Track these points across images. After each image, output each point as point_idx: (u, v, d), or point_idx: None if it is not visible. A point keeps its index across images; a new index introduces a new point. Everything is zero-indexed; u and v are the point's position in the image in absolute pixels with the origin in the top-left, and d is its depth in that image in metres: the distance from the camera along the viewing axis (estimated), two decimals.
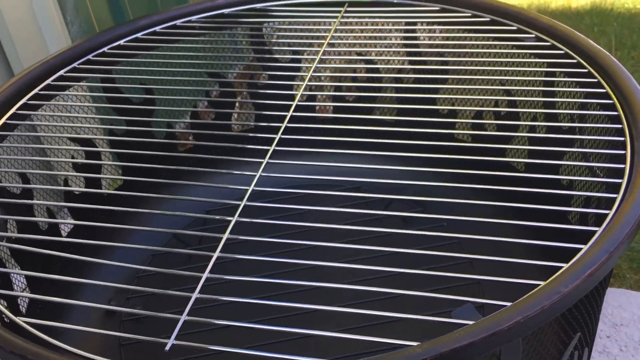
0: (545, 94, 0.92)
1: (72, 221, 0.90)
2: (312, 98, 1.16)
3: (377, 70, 1.12)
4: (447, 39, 1.03)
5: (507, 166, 0.95)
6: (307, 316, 0.64)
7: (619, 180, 0.65)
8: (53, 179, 1.09)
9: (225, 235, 0.66)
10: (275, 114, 0.87)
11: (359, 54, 1.13)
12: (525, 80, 0.90)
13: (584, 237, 0.59)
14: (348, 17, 1.08)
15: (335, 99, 1.14)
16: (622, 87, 0.77)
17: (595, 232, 0.58)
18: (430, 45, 1.06)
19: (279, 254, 0.67)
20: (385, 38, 1.10)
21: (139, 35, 1.04)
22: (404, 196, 0.75)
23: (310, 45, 1.05)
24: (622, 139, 0.71)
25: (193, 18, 1.09)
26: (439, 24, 1.05)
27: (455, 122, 1.07)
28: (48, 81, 0.93)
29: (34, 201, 0.89)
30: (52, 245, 0.71)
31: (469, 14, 1.03)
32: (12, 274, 0.82)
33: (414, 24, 1.07)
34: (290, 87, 0.99)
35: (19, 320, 0.59)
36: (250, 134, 0.83)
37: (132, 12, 1.63)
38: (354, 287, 0.60)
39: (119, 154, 1.01)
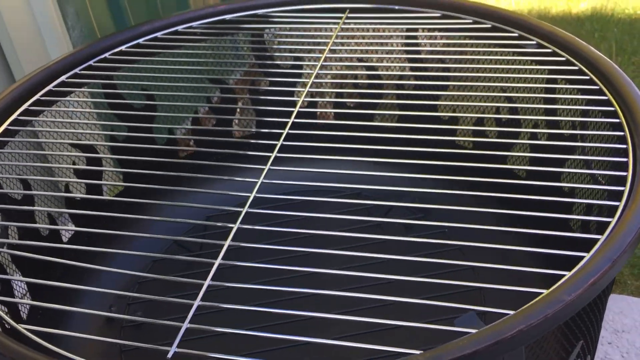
0: (547, 100, 0.92)
1: (73, 228, 0.90)
2: (313, 104, 1.16)
3: (378, 77, 1.12)
4: (449, 45, 1.03)
5: (509, 173, 0.95)
6: (309, 323, 0.64)
7: (621, 188, 0.65)
8: (54, 185, 1.09)
9: (227, 243, 0.65)
10: (277, 121, 0.87)
11: (360, 60, 1.13)
12: (526, 87, 0.90)
13: (586, 244, 0.59)
14: (349, 24, 1.08)
15: (336, 105, 1.14)
16: (624, 95, 0.77)
17: (597, 240, 0.58)
18: (432, 52, 1.06)
19: (280, 261, 0.67)
20: (386, 44, 1.10)
21: (140, 41, 1.04)
22: (405, 203, 0.75)
23: (312, 51, 1.05)
24: (625, 146, 0.71)
25: (194, 24, 1.09)
26: (440, 30, 1.05)
27: (456, 129, 1.07)
28: (49, 87, 0.93)
29: (35, 207, 0.89)
30: (53, 252, 0.71)
31: (470, 21, 1.03)
32: (13, 280, 0.82)
33: (415, 30, 1.07)
34: (292, 93, 0.99)
35: (20, 327, 0.59)
36: (252, 141, 0.83)
37: (133, 17, 1.63)
38: (355, 295, 0.60)
39: (120, 160, 1.01)
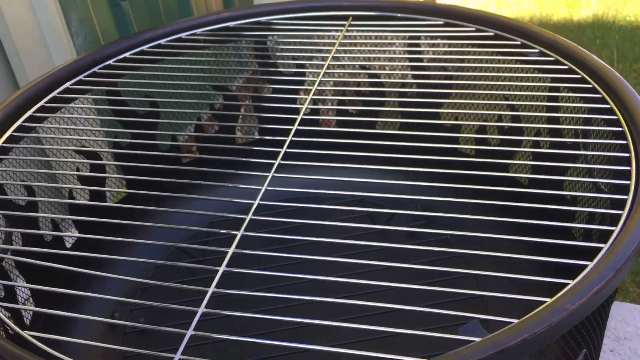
0: (549, 109, 0.92)
1: (77, 234, 0.90)
2: (316, 111, 1.16)
3: (381, 84, 1.12)
4: (451, 53, 1.04)
5: (511, 181, 0.95)
6: (312, 330, 0.64)
7: (624, 197, 0.65)
8: (58, 191, 1.09)
9: (231, 250, 0.66)
10: (280, 128, 0.87)
11: (363, 67, 1.14)
12: (529, 95, 0.90)
13: (589, 253, 0.59)
14: (352, 31, 1.09)
15: (339, 112, 1.15)
16: (627, 103, 0.77)
17: (600, 248, 0.58)
18: (434, 59, 1.06)
19: (283, 268, 0.67)
20: (389, 52, 1.10)
21: (144, 48, 1.04)
22: (407, 211, 0.75)
23: (315, 58, 1.05)
24: (627, 155, 0.71)
25: (198, 31, 1.09)
26: (443, 38, 1.06)
27: (458, 137, 1.07)
28: (54, 93, 0.93)
29: (39, 214, 0.90)
30: (57, 258, 0.71)
31: (473, 29, 1.03)
32: (16, 286, 0.82)
33: (418, 37, 1.08)
34: (295, 100, 0.99)
35: (24, 333, 0.59)
36: (256, 148, 0.83)
37: (136, 24, 1.63)
38: (357, 302, 0.60)
39: (123, 166, 1.02)
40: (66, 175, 1.06)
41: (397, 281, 0.63)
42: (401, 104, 1.10)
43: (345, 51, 1.08)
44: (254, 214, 0.71)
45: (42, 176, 0.94)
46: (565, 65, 0.90)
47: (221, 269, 0.63)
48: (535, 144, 0.94)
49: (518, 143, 0.97)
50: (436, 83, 1.04)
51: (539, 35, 0.96)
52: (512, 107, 0.97)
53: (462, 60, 1.01)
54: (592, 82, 0.85)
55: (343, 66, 1.08)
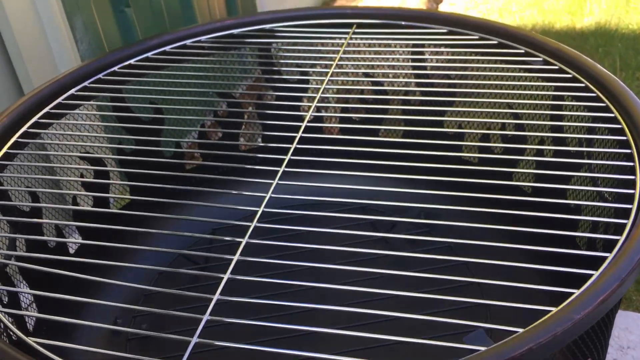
0: (553, 117, 0.92)
1: (80, 240, 0.91)
2: (320, 119, 1.17)
3: (385, 92, 1.12)
4: (455, 61, 1.04)
5: (515, 189, 0.95)
6: (315, 337, 0.64)
7: (629, 206, 0.65)
8: (62, 197, 1.09)
9: (236, 257, 0.66)
10: (285, 135, 0.87)
11: (367, 75, 1.14)
12: (533, 104, 0.91)
13: (593, 262, 0.59)
14: (356, 39, 1.09)
15: (343, 120, 1.15)
16: (631, 112, 0.78)
17: (605, 258, 0.58)
18: (438, 67, 1.07)
19: (287, 275, 0.67)
20: (393, 60, 1.11)
21: (149, 54, 1.05)
22: (410, 219, 0.75)
23: (319, 66, 1.05)
24: (632, 164, 0.71)
25: (203, 38, 1.10)
26: (447, 46, 1.06)
27: (462, 145, 1.07)
28: (59, 100, 0.93)
29: (43, 220, 0.90)
30: (60, 264, 0.71)
31: (477, 37, 1.04)
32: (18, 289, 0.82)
33: (422, 45, 1.08)
34: (299, 108, 1.00)
35: (28, 340, 0.59)
36: (260, 155, 0.84)
37: (140, 30, 1.64)
38: (360, 310, 0.60)
39: (127, 173, 1.02)
40: (70, 181, 1.06)
41: (400, 289, 0.63)
42: (405, 112, 1.11)
43: (349, 59, 1.08)
44: (258, 221, 0.71)
45: (47, 182, 0.94)
46: (569, 74, 0.90)
47: (226, 276, 0.63)
48: (539, 153, 0.94)
49: (522, 151, 0.97)
50: (440, 91, 1.04)
51: (543, 44, 0.97)
52: (515, 116, 0.97)
53: (465, 69, 1.01)
54: (596, 90, 0.85)
55: (347, 73, 1.09)
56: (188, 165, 1.16)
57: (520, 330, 0.51)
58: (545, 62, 0.95)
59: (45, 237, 0.90)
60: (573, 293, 0.55)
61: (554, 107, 0.91)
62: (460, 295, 0.61)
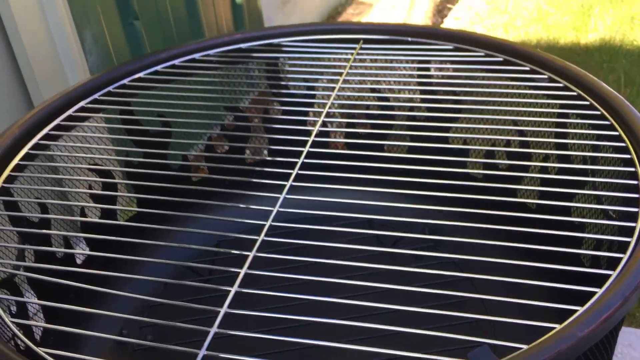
0: (558, 134, 0.93)
1: (87, 252, 0.91)
2: (327, 133, 1.18)
3: (391, 108, 1.13)
4: (460, 77, 1.05)
5: (519, 206, 0.96)
6: (320, 350, 0.64)
7: (633, 224, 0.65)
8: (69, 208, 1.10)
9: (244, 270, 0.66)
10: (292, 150, 0.88)
11: (374, 90, 1.15)
12: (537, 121, 0.91)
13: (597, 280, 0.59)
14: (363, 54, 1.10)
15: (350, 135, 1.16)
16: (635, 130, 0.78)
17: (609, 275, 0.59)
18: (444, 84, 1.08)
19: (292, 288, 0.67)
20: (399, 75, 1.12)
21: (158, 68, 1.06)
22: (415, 234, 0.76)
23: (326, 80, 1.06)
24: (636, 182, 0.72)
25: (211, 52, 1.11)
26: (452, 62, 1.07)
27: (466, 162, 1.08)
28: (69, 112, 0.95)
29: (52, 231, 0.91)
30: (67, 274, 0.72)
31: (482, 54, 1.05)
32: (26, 299, 0.83)
33: (428, 62, 1.09)
34: (306, 122, 1.01)
35: (38, 350, 0.60)
36: (267, 169, 0.85)
37: (148, 43, 1.66)
38: (364, 325, 0.60)
39: (134, 184, 1.03)
40: (79, 192, 1.07)
41: (405, 304, 0.63)
42: (410, 127, 1.11)
43: (356, 73, 1.09)
44: (265, 235, 0.72)
45: (56, 193, 0.95)
46: (574, 91, 0.91)
47: (233, 289, 0.64)
48: (544, 170, 0.95)
49: (526, 168, 0.98)
50: (445, 107, 1.05)
51: (548, 62, 0.98)
52: (521, 132, 0.97)
53: (471, 85, 1.02)
54: (601, 109, 0.86)
55: (354, 88, 1.10)
56: (194, 177, 1.17)
57: (525, 346, 0.52)
58: (551, 80, 0.95)
59: (53, 248, 0.91)
60: (577, 310, 0.55)
61: (558, 125, 0.92)
62: (464, 311, 0.61)
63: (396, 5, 3.18)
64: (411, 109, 1.12)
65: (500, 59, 1.02)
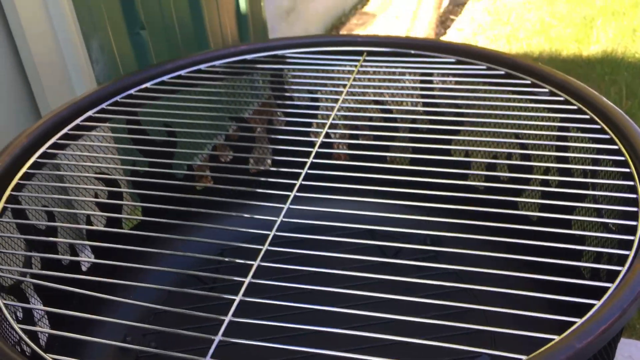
0: (559, 148, 0.94)
1: (93, 259, 0.93)
2: (330, 144, 1.19)
3: (394, 120, 1.15)
4: (462, 90, 1.06)
5: (520, 218, 0.97)
6: (324, 359, 0.65)
7: (631, 238, 0.66)
8: (75, 216, 1.11)
9: (248, 279, 0.68)
10: (296, 160, 0.89)
11: (377, 102, 1.16)
12: (538, 134, 0.93)
13: (597, 292, 0.60)
14: (366, 66, 1.12)
15: (353, 146, 1.17)
16: (635, 145, 0.79)
17: (608, 288, 0.60)
18: (446, 96, 1.09)
19: (296, 298, 0.68)
20: (403, 87, 1.13)
21: (164, 78, 1.07)
22: (416, 245, 0.77)
23: (330, 92, 1.08)
24: (635, 196, 0.73)
25: (216, 63, 1.12)
26: (455, 75, 1.08)
27: (467, 174, 1.09)
28: (77, 121, 0.96)
29: (59, 239, 0.92)
30: (73, 281, 0.73)
31: (484, 67, 1.06)
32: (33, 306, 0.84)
33: (430, 74, 1.10)
34: (310, 134, 1.02)
35: (46, 356, 0.61)
36: (271, 179, 0.86)
37: (154, 52, 1.67)
38: (365, 334, 0.61)
39: (140, 193, 1.04)
40: (85, 201, 1.09)
41: (406, 314, 0.64)
42: (413, 140, 1.13)
43: (360, 85, 1.11)
44: (269, 245, 0.73)
45: (63, 201, 0.96)
46: (575, 105, 0.92)
47: (238, 298, 0.65)
48: (545, 183, 0.96)
49: (527, 181, 0.99)
50: (447, 120, 1.06)
51: (549, 75, 0.99)
52: (522, 145, 0.99)
53: (473, 98, 1.03)
54: (601, 123, 0.87)
55: (358, 100, 1.11)
56: (198, 186, 1.18)
57: (524, 357, 0.53)
58: (552, 93, 0.97)
59: (59, 256, 0.92)
60: (575, 322, 0.56)
61: (559, 138, 0.93)
62: (465, 321, 0.62)
63: (400, 16, 3.20)
64: (413, 121, 1.14)
65: (502, 72, 1.04)
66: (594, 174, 0.85)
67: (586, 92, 0.92)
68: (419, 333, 0.62)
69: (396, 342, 0.60)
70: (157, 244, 0.96)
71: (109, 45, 1.55)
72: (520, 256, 0.68)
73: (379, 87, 1.14)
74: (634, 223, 0.69)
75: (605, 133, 0.85)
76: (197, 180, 1.30)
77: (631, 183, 0.75)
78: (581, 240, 0.88)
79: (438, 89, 1.10)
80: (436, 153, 0.93)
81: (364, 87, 1.11)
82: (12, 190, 0.83)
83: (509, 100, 1.00)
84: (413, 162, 1.13)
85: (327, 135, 0.96)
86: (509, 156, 1.03)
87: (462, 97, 1.03)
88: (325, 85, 1.08)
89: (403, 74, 1.12)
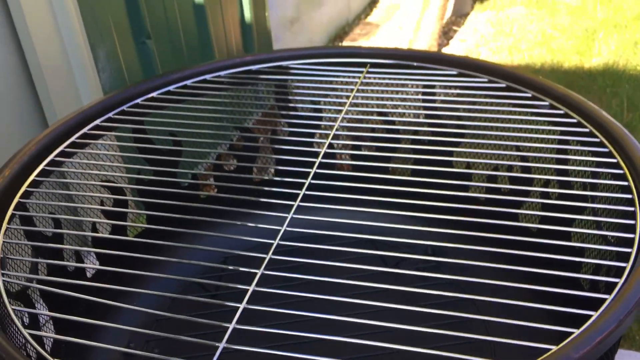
0: (559, 160, 0.95)
1: (97, 266, 0.94)
2: (333, 155, 1.20)
3: (396, 131, 1.16)
4: (464, 102, 1.08)
5: (521, 229, 0.98)
6: None
7: (629, 250, 0.68)
8: (79, 222, 1.13)
9: (252, 287, 0.69)
10: (299, 170, 0.91)
11: (380, 114, 1.18)
12: (539, 147, 0.94)
13: (594, 303, 0.61)
14: (370, 78, 1.13)
15: (355, 157, 1.18)
16: (633, 158, 0.81)
17: (605, 300, 0.61)
18: (448, 108, 1.10)
19: (298, 306, 0.70)
20: (405, 99, 1.15)
21: (170, 88, 1.09)
22: (418, 255, 0.78)
23: (334, 103, 1.09)
24: (632, 209, 0.74)
25: (222, 73, 1.14)
26: (456, 87, 1.10)
27: (469, 185, 1.10)
28: (84, 130, 0.97)
29: (65, 246, 0.93)
30: (78, 287, 0.74)
31: (486, 80, 1.07)
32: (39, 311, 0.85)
33: (433, 87, 1.12)
34: (314, 144, 1.03)
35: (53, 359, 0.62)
36: (275, 189, 0.87)
37: (160, 62, 1.69)
38: (371, 343, 0.62)
39: (145, 201, 1.05)
40: (89, 208, 1.10)
41: (408, 323, 0.65)
42: (415, 151, 1.14)
43: (363, 97, 1.12)
44: (273, 253, 0.74)
45: (70, 209, 0.98)
46: (574, 118, 0.94)
47: (242, 306, 0.66)
48: (545, 194, 0.97)
49: (527, 193, 1.00)
50: (449, 132, 1.07)
51: (549, 89, 1.00)
52: (522, 157, 1.00)
53: (474, 110, 1.05)
54: (600, 136, 0.88)
55: (361, 112, 1.13)
56: (202, 195, 1.20)
57: None
58: (552, 107, 0.98)
59: (65, 262, 0.93)
60: (573, 333, 0.57)
61: (559, 151, 0.94)
62: (466, 331, 0.63)
63: (403, 26, 3.22)
64: (415, 132, 1.15)
65: (503, 85, 1.05)
66: (593, 187, 0.87)
67: (586, 106, 0.94)
68: (421, 342, 0.63)
69: (398, 350, 0.62)
70: (161, 251, 0.97)
71: (115, 54, 1.57)
72: (520, 267, 0.69)
73: (382, 99, 1.15)
74: (631, 236, 0.70)
75: (604, 146, 0.86)
76: (202, 189, 1.32)
77: (629, 196, 0.77)
78: (580, 252, 0.89)
79: (440, 101, 1.12)
80: (438, 164, 0.94)
81: (367, 98, 1.13)
82: (21, 197, 0.84)
83: (509, 112, 1.01)
84: (415, 173, 1.14)
85: (331, 146, 0.98)
86: (510, 168, 1.04)
87: (464, 109, 1.05)
88: (328, 96, 1.10)
89: (405, 85, 1.13)
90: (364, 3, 3.47)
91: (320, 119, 1.13)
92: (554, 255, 0.71)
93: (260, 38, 2.18)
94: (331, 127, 1.00)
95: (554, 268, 0.69)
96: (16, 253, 0.83)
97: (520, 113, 1.00)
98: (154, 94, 1.07)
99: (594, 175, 0.86)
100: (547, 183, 0.98)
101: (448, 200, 0.82)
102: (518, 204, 0.99)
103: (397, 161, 1.14)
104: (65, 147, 0.94)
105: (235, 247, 0.82)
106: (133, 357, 0.96)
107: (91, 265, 1.02)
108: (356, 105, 1.08)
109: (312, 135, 1.10)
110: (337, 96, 1.11)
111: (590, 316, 0.59)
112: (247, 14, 2.07)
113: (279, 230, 0.78)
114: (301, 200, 0.83)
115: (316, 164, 0.90)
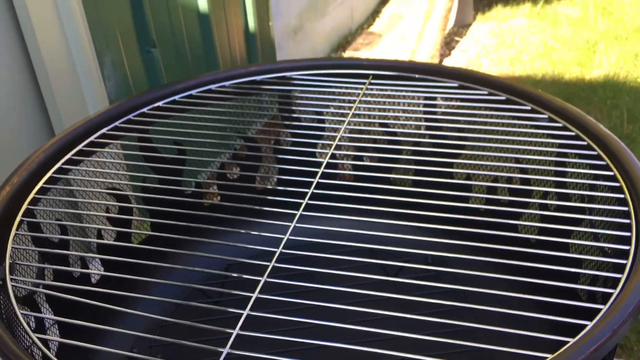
0: (557, 173, 0.97)
1: (102, 272, 0.95)
2: (336, 165, 1.22)
3: (398, 142, 1.18)
4: (465, 114, 1.09)
5: (520, 240, 0.99)
6: None
7: (624, 261, 0.69)
8: (87, 229, 1.14)
9: (255, 294, 0.70)
10: (302, 180, 0.92)
11: (382, 125, 1.20)
12: (537, 159, 0.95)
13: (590, 313, 0.63)
14: (372, 89, 1.15)
15: (357, 167, 1.20)
16: (630, 171, 0.82)
17: (600, 310, 0.63)
18: (448, 120, 1.12)
19: (300, 313, 0.71)
20: (407, 111, 1.16)
21: (176, 97, 1.11)
22: (418, 264, 0.79)
23: (337, 114, 1.11)
24: (628, 221, 0.75)
25: (226, 83, 1.16)
26: (457, 99, 1.12)
27: (469, 196, 1.12)
28: (91, 138, 0.99)
29: (72, 252, 0.95)
30: (83, 293, 0.76)
31: (486, 92, 1.09)
32: (45, 316, 0.87)
33: (434, 98, 1.14)
34: (316, 154, 1.05)
35: None
36: (279, 198, 0.89)
37: (165, 70, 1.71)
38: (372, 350, 0.64)
39: (149, 209, 1.07)
40: (94, 215, 1.12)
41: (407, 331, 0.67)
42: (415, 162, 1.16)
43: (365, 108, 1.14)
44: (276, 261, 0.76)
45: (76, 215, 0.99)
46: (573, 131, 0.95)
47: (245, 312, 0.68)
48: (543, 206, 0.99)
49: (526, 204, 1.02)
50: (449, 143, 1.09)
51: (548, 102, 1.02)
52: (521, 169, 1.01)
53: (474, 122, 1.06)
54: (598, 149, 0.90)
55: (363, 123, 1.14)
56: (205, 203, 1.21)
57: None
58: (550, 120, 1.00)
59: (71, 268, 0.94)
60: (568, 342, 0.59)
61: (558, 164, 0.96)
62: (465, 340, 0.65)
63: (405, 36, 3.24)
64: (417, 143, 1.17)
65: (503, 98, 1.07)
66: (591, 199, 0.88)
67: (584, 119, 0.96)
68: (421, 350, 0.64)
69: (399, 358, 0.63)
70: (165, 258, 0.98)
71: (120, 63, 1.59)
72: (519, 277, 0.71)
73: (384, 110, 1.17)
74: (626, 247, 0.72)
75: (602, 159, 0.88)
76: (205, 197, 1.33)
77: (625, 208, 0.78)
78: (578, 262, 0.90)
79: (441, 112, 1.13)
80: (438, 175, 0.96)
81: (369, 109, 1.15)
82: (29, 204, 0.86)
83: (509, 125, 1.03)
84: (415, 183, 1.16)
85: (333, 156, 0.99)
86: (509, 179, 1.05)
87: (464, 121, 1.06)
88: (331, 106, 1.12)
89: (407, 97, 1.15)
90: (367, 13, 3.49)
91: (322, 129, 1.14)
92: (552, 266, 0.72)
93: (264, 47, 2.20)
94: (334, 138, 1.02)
95: (552, 278, 0.70)
96: (24, 259, 0.84)
97: (519, 125, 1.02)
98: (159, 103, 1.09)
99: (592, 187, 0.88)
100: (545, 195, 0.99)
101: (448, 211, 0.83)
102: (517, 215, 1.01)
103: (398, 172, 1.15)
104: (73, 155, 0.95)
105: (238, 255, 0.83)
106: None
107: (96, 271, 1.03)
108: (358, 116, 1.10)
109: (314, 145, 1.12)
110: (339, 107, 1.13)
111: (585, 326, 0.61)
112: (251, 24, 2.09)
113: (282, 238, 0.80)
114: (304, 210, 0.85)
115: (319, 174, 0.92)
